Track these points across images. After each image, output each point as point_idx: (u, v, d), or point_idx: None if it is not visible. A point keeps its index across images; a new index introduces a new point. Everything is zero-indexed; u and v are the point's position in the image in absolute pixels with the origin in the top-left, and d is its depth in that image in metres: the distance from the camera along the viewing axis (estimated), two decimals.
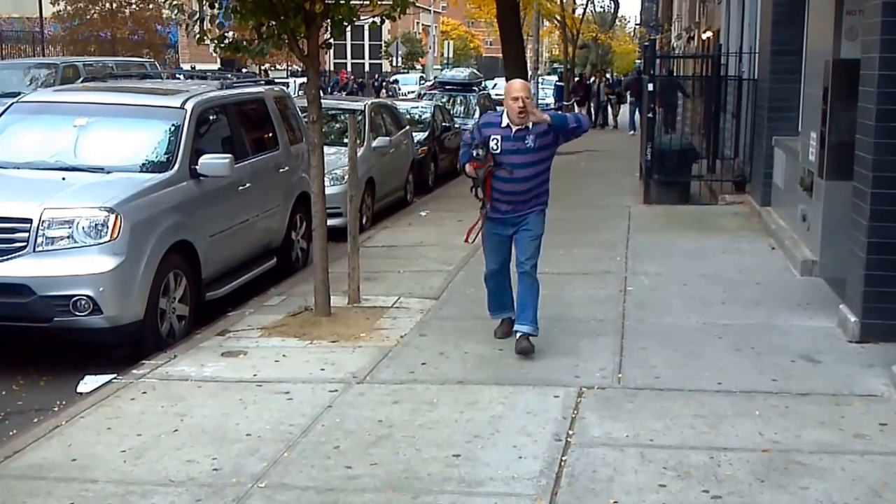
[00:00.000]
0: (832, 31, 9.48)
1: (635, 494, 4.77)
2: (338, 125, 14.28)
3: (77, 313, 6.95)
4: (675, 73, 20.45)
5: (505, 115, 6.87)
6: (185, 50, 51.34)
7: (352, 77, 53.92)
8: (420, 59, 71.88)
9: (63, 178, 7.77)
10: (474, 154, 6.75)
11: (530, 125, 6.74)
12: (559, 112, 6.30)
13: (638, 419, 5.75)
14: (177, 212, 7.92)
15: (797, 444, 5.37)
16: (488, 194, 6.91)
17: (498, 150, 6.77)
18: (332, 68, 61.42)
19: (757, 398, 6.09)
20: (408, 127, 16.76)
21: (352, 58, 75.22)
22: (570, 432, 5.55)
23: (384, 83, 50.50)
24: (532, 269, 6.98)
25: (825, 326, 7.65)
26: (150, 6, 41.80)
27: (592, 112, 35.10)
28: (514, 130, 6.77)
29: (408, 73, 58.34)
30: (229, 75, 11.49)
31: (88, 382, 6.78)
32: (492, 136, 6.81)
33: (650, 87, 15.47)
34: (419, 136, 17.69)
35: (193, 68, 27.16)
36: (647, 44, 25.64)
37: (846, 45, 9.21)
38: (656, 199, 14.46)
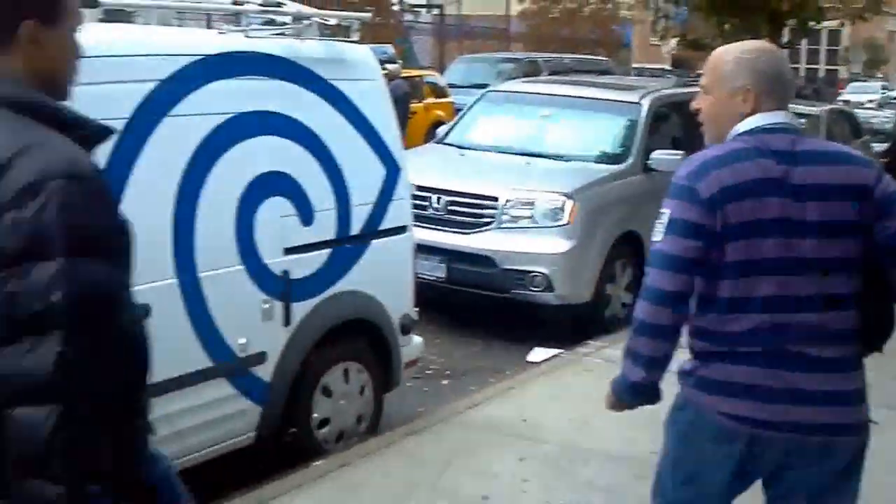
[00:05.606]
0: None
1: None
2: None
3: (532, 288, 7.45)
4: None
5: None
6: (637, 49, 52.10)
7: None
8: (882, 66, 67.56)
9: (527, 163, 8.33)
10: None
11: None
12: None
13: None
14: (627, 203, 8.16)
15: None
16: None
17: None
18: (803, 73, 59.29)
19: None
20: (866, 136, 15.92)
21: (806, 63, 72.25)
22: None
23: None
24: None
25: None
26: (608, 5, 42.90)
27: None
28: None
29: (867, 81, 54.98)
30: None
31: (537, 353, 7.23)
32: None
33: None
34: (878, 147, 16.75)
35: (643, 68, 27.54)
36: None
37: None
38: None
